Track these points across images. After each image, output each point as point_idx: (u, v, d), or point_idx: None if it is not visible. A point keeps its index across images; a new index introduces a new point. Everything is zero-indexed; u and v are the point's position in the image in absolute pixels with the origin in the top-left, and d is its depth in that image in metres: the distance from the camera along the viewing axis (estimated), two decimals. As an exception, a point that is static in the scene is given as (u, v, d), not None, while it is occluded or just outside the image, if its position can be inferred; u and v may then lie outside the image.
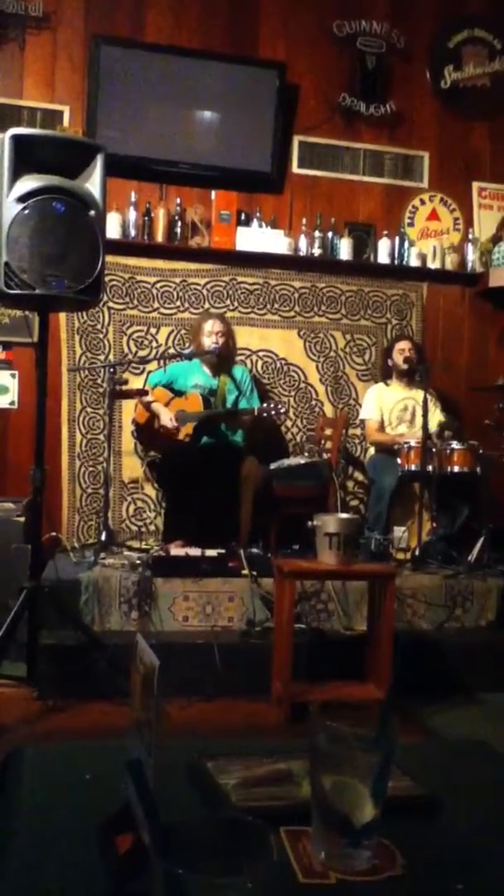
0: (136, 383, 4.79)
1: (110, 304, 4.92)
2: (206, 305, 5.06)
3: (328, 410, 5.22)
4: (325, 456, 4.72)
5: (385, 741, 0.85)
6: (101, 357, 4.92)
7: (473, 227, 5.52)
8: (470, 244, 5.45)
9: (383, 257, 5.29)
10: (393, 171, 5.43)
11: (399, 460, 4.48)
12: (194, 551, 3.88)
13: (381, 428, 4.86)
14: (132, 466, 4.95)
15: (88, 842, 0.85)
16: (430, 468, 4.30)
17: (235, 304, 5.12)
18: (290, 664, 3.09)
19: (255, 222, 5.14)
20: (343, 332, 5.28)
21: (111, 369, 4.37)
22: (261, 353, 5.17)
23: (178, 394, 4.62)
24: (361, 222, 5.37)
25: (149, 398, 4.58)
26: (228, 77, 5.04)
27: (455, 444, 4.44)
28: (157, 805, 0.77)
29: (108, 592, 3.68)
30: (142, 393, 4.59)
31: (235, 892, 0.61)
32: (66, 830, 0.89)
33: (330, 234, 5.23)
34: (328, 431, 4.95)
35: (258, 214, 5.14)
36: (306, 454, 4.83)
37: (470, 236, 5.47)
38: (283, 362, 5.20)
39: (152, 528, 4.90)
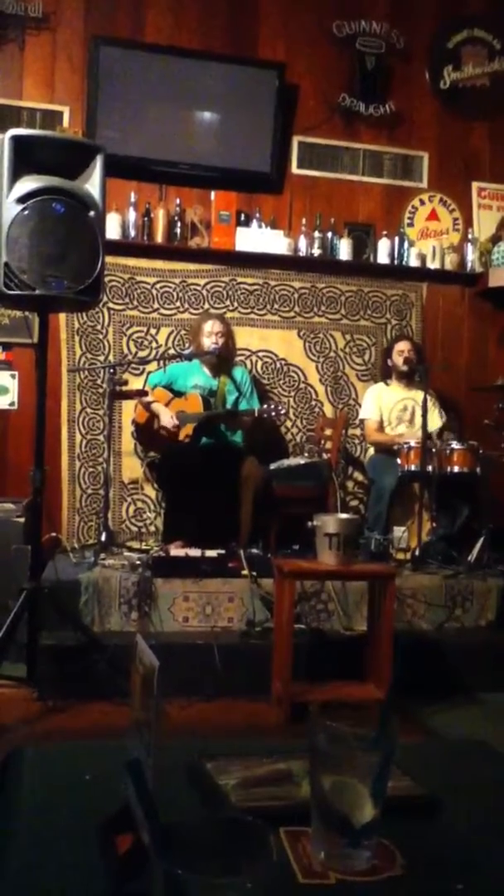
0: (135, 384, 4.79)
1: (110, 304, 4.92)
2: (206, 306, 5.07)
3: (328, 411, 5.22)
4: (324, 456, 4.72)
5: (385, 741, 0.85)
6: (101, 358, 4.92)
7: (473, 227, 5.52)
8: (469, 244, 5.45)
9: (383, 257, 5.29)
10: (392, 172, 5.43)
11: (399, 460, 4.48)
12: (194, 552, 3.88)
13: (381, 428, 4.86)
14: (132, 467, 4.95)
15: (88, 842, 0.85)
16: (429, 468, 4.30)
17: (235, 304, 5.13)
18: (289, 664, 3.09)
19: (254, 223, 5.14)
20: (343, 333, 5.28)
21: (111, 370, 4.37)
22: (261, 354, 5.17)
23: (178, 394, 4.62)
24: (361, 222, 5.37)
25: (149, 399, 4.58)
26: (228, 77, 5.04)
27: (455, 445, 4.44)
28: (156, 805, 0.77)
29: (107, 593, 3.68)
30: (142, 393, 4.59)
31: (235, 892, 0.61)
32: (66, 830, 0.89)
33: (329, 235, 5.23)
34: (328, 432, 4.95)
35: (258, 215, 5.15)
36: (306, 454, 4.83)
37: (469, 236, 5.48)
38: (283, 363, 5.20)
39: (152, 528, 4.90)
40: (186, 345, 4.87)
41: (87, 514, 4.89)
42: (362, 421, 4.98)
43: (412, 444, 4.43)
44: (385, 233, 5.30)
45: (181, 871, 0.61)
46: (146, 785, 0.81)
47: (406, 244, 5.34)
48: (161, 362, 4.75)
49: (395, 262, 5.33)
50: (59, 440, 4.86)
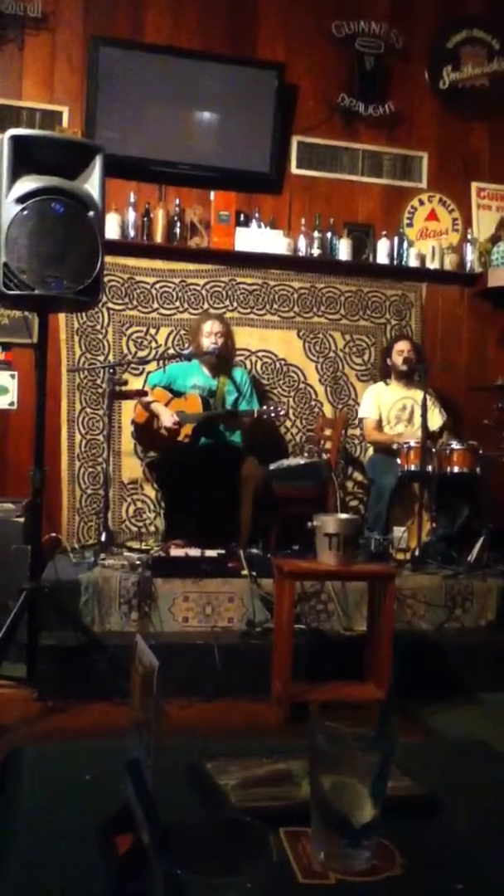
0: (135, 384, 4.80)
1: (110, 304, 4.92)
2: (206, 306, 5.07)
3: (327, 411, 5.22)
4: (324, 456, 4.72)
5: (385, 741, 0.85)
6: (101, 358, 4.92)
7: (472, 227, 5.52)
8: (469, 244, 5.45)
9: (382, 258, 5.29)
10: (392, 172, 5.43)
11: (399, 460, 4.48)
12: (194, 552, 3.88)
13: (379, 427, 4.86)
14: (132, 467, 4.95)
15: (88, 842, 0.85)
16: (429, 468, 4.30)
17: (235, 304, 5.13)
18: (289, 664, 3.09)
19: (254, 223, 5.14)
20: (342, 333, 5.28)
21: (111, 370, 4.37)
22: (260, 354, 5.17)
23: (178, 394, 4.62)
24: (360, 223, 5.37)
25: (148, 399, 4.58)
26: (227, 78, 5.04)
27: (455, 445, 4.44)
28: (156, 805, 0.77)
29: (107, 593, 3.68)
30: (141, 393, 4.59)
31: (235, 892, 0.61)
32: (67, 831, 0.89)
33: (329, 235, 5.23)
34: (328, 432, 4.95)
35: (257, 215, 5.15)
36: (306, 454, 4.83)
37: (469, 236, 5.48)
38: (283, 363, 5.20)
39: (152, 528, 4.90)
40: (186, 345, 4.87)
41: (87, 515, 4.89)
42: (361, 420, 4.99)
43: (412, 444, 4.43)
44: (384, 233, 5.30)
45: (181, 872, 0.61)
46: (146, 785, 0.81)
47: (405, 244, 5.35)
48: (160, 362, 4.75)
49: (395, 262, 5.33)
50: (59, 440, 4.86)
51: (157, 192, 5.10)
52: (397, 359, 4.83)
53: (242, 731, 3.00)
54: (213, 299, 5.10)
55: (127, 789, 0.84)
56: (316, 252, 5.19)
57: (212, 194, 5.05)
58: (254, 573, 3.77)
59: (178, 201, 5.05)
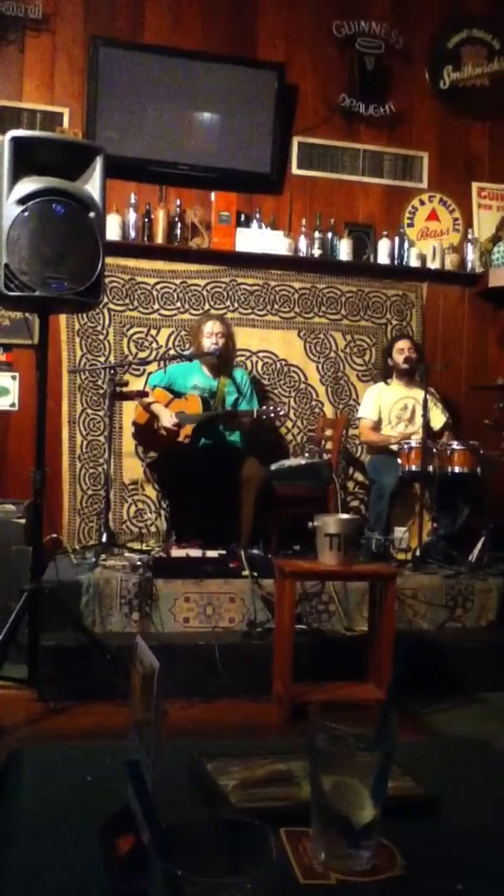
0: (136, 385, 4.80)
1: (110, 305, 4.92)
2: (207, 307, 5.07)
3: (328, 411, 5.22)
4: (325, 456, 4.72)
5: (385, 741, 0.85)
6: (102, 358, 4.92)
7: (473, 227, 5.52)
8: (469, 244, 5.45)
9: (383, 258, 5.30)
10: (392, 172, 5.43)
11: (399, 460, 4.48)
12: (195, 552, 3.88)
13: (377, 428, 4.87)
14: (133, 468, 4.95)
15: (89, 843, 0.85)
16: (430, 468, 4.30)
17: (235, 305, 5.13)
18: (290, 665, 3.09)
19: (254, 223, 5.14)
20: (343, 333, 5.28)
21: (111, 371, 4.37)
22: (261, 354, 5.17)
23: (178, 395, 4.62)
24: (361, 223, 5.37)
25: (149, 399, 4.58)
26: (228, 78, 5.04)
27: (455, 445, 4.44)
28: (156, 806, 0.77)
29: (108, 594, 3.68)
30: (142, 394, 4.59)
31: (235, 893, 0.61)
32: (67, 831, 0.89)
33: (329, 235, 5.23)
34: (328, 432, 4.95)
35: (258, 215, 5.15)
36: (307, 455, 4.83)
37: (469, 236, 5.48)
38: (284, 363, 5.20)
39: (153, 529, 4.91)
40: (187, 345, 4.87)
41: (88, 515, 4.89)
42: (358, 419, 4.99)
43: (413, 443, 4.43)
44: (385, 233, 5.31)
45: (181, 872, 0.61)
46: (146, 786, 0.81)
47: (406, 244, 5.35)
48: (161, 363, 4.75)
49: (396, 262, 5.33)
50: (60, 441, 4.86)
51: (158, 193, 5.10)
52: (398, 357, 4.83)
53: (243, 732, 3.01)
54: (213, 300, 5.10)
55: (127, 790, 0.84)
56: (317, 252, 5.19)
57: (212, 195, 5.05)
58: (255, 573, 3.78)
59: (178, 202, 5.05)
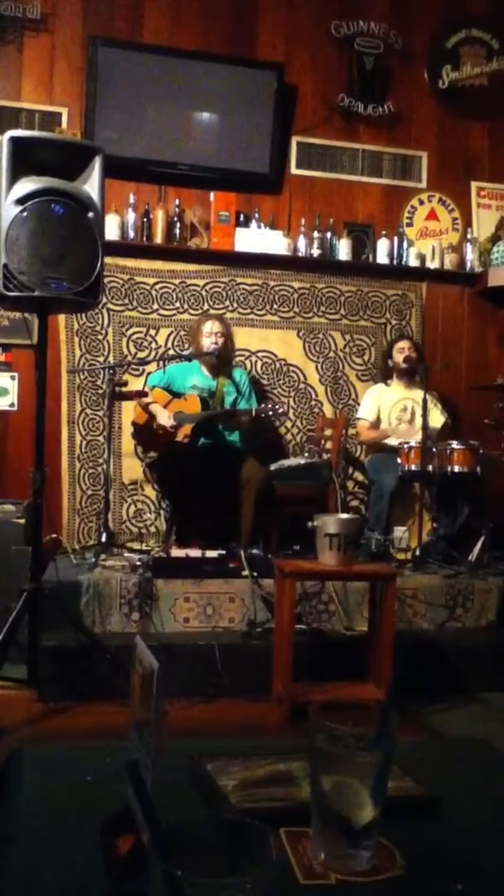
0: (135, 385, 4.80)
1: (109, 305, 4.92)
2: (206, 307, 5.07)
3: (328, 411, 5.22)
4: (325, 456, 4.72)
5: (385, 741, 0.85)
6: (101, 359, 4.92)
7: (472, 226, 5.52)
8: (469, 244, 5.45)
9: (382, 257, 5.30)
10: (391, 172, 5.43)
11: (399, 460, 4.48)
12: (195, 552, 3.88)
13: (375, 429, 4.86)
14: (132, 468, 4.95)
15: (89, 843, 0.85)
16: (430, 468, 4.30)
17: (234, 305, 5.13)
18: (290, 665, 3.09)
19: (253, 223, 5.14)
20: (342, 333, 5.28)
21: (111, 371, 4.37)
22: (260, 354, 5.17)
23: (177, 395, 4.62)
24: (360, 223, 5.37)
25: (147, 399, 4.58)
26: (227, 78, 5.04)
27: (455, 444, 4.44)
28: (156, 806, 0.77)
29: (108, 594, 3.68)
30: (141, 394, 4.59)
31: (235, 893, 0.61)
32: (67, 831, 0.89)
33: (329, 235, 5.23)
34: (328, 432, 4.95)
35: (257, 215, 5.15)
36: (306, 455, 4.83)
37: (469, 236, 5.48)
38: (283, 363, 5.20)
39: (152, 529, 4.91)
40: (186, 345, 4.87)
41: (88, 515, 4.89)
42: (357, 420, 4.99)
43: (413, 443, 4.43)
44: (384, 233, 5.31)
45: (181, 872, 0.61)
46: (146, 786, 0.81)
47: (405, 244, 5.35)
48: (160, 363, 4.75)
49: (395, 262, 5.33)
50: (59, 441, 4.86)
51: (157, 193, 5.10)
52: (398, 357, 4.83)
53: (243, 732, 3.01)
54: (212, 300, 5.10)
55: (127, 790, 0.84)
56: (316, 252, 5.19)
57: (211, 195, 5.05)
58: (255, 573, 3.78)
59: (177, 202, 5.05)
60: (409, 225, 5.44)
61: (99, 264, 3.12)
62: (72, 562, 4.15)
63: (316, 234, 5.18)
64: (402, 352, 4.83)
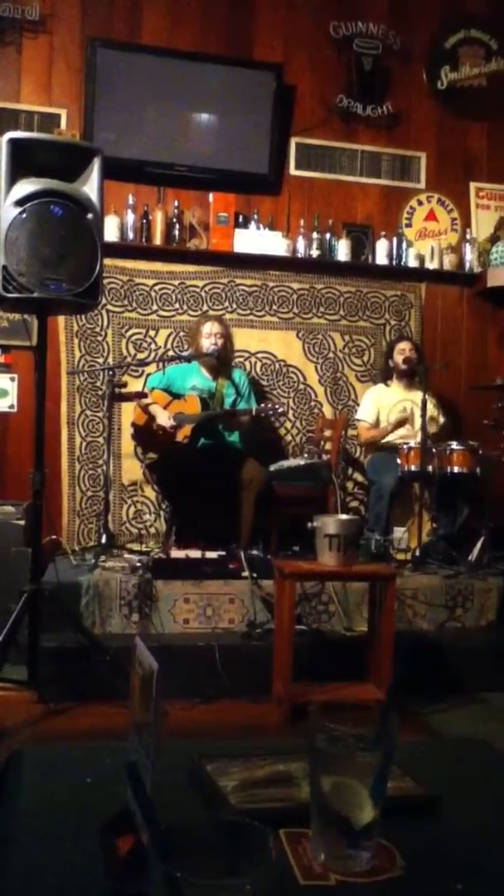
0: (135, 386, 4.80)
1: (109, 306, 4.92)
2: (205, 308, 5.07)
3: (327, 412, 5.22)
4: (324, 457, 4.72)
5: (385, 741, 0.85)
6: (101, 360, 4.92)
7: (471, 227, 5.52)
8: (468, 244, 5.45)
9: (381, 258, 5.30)
10: (390, 172, 5.43)
11: (399, 460, 4.48)
12: (194, 553, 3.88)
13: (374, 429, 4.87)
14: (132, 469, 4.95)
15: (89, 844, 0.85)
16: (430, 468, 4.30)
17: (234, 305, 5.13)
18: (290, 665, 3.09)
19: (252, 224, 5.14)
20: (342, 334, 5.28)
21: (110, 372, 4.37)
22: (260, 355, 5.17)
23: (177, 396, 4.62)
24: (359, 223, 5.38)
25: (147, 400, 4.58)
26: (225, 79, 5.04)
27: (455, 445, 4.44)
28: (156, 807, 0.77)
29: (108, 595, 3.68)
30: (141, 395, 4.59)
31: (235, 894, 0.61)
32: (67, 832, 0.89)
33: (328, 236, 5.23)
34: (328, 433, 4.95)
35: (256, 216, 5.15)
36: (306, 455, 4.83)
37: (468, 236, 5.48)
38: (282, 364, 5.20)
39: (152, 530, 4.91)
40: (185, 346, 4.87)
41: (88, 517, 4.89)
42: (356, 420, 4.99)
43: (412, 444, 4.43)
44: (383, 233, 5.31)
45: (181, 873, 0.61)
46: (146, 787, 0.81)
47: (404, 245, 5.35)
48: (160, 364, 4.75)
49: (394, 262, 5.33)
50: (59, 442, 4.86)
51: (156, 194, 5.10)
52: (398, 358, 4.83)
53: (243, 733, 3.01)
54: (212, 301, 5.10)
55: (127, 791, 0.84)
56: (315, 253, 5.19)
57: (210, 196, 5.05)
58: (254, 574, 3.78)
59: (176, 203, 5.05)
60: (408, 225, 5.45)
61: (98, 265, 3.12)
62: (72, 563, 4.15)
63: (315, 234, 5.18)
64: (402, 353, 4.83)
